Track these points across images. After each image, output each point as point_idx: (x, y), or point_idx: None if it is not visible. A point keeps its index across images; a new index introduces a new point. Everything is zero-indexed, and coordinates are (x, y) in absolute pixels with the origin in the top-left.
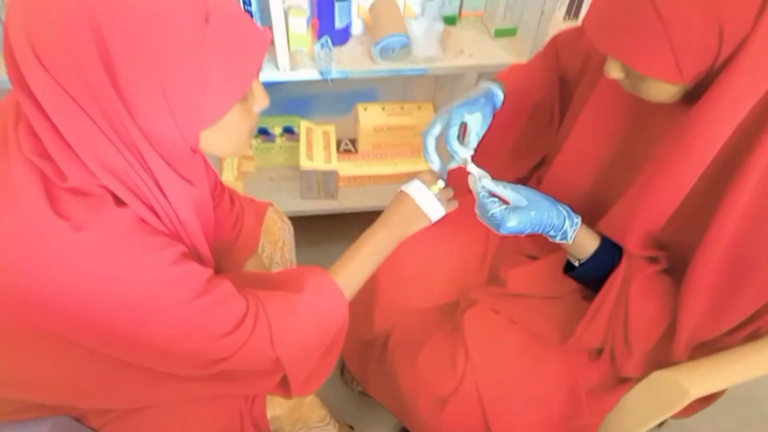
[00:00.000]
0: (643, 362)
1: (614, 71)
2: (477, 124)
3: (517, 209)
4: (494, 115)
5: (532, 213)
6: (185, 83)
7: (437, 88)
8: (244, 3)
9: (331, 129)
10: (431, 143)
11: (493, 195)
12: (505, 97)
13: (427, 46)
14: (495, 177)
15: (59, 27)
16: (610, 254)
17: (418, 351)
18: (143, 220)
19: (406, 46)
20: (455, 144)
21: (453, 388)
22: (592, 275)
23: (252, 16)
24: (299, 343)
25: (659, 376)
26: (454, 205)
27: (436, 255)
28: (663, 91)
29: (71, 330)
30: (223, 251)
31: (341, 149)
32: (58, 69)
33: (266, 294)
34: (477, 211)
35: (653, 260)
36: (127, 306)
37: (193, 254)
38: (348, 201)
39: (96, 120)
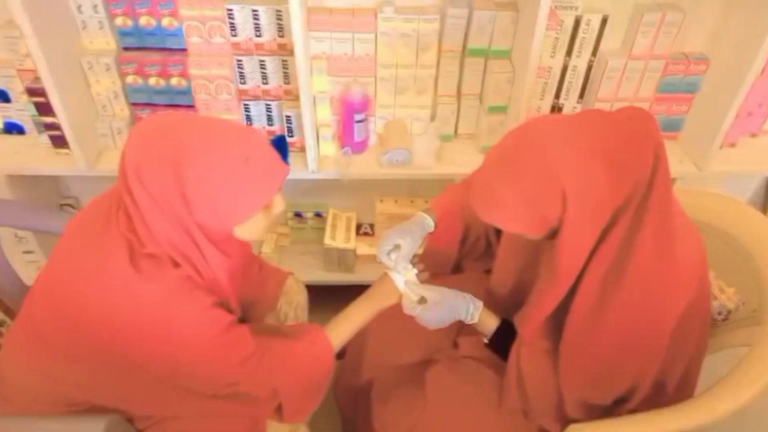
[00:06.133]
0: (552, 420)
1: None
2: (407, 246)
3: (435, 305)
4: (434, 234)
5: (445, 305)
6: (227, 199)
7: (440, 189)
8: (286, 121)
9: (353, 215)
10: (384, 255)
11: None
12: (437, 222)
13: (425, 158)
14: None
15: (156, 163)
16: (507, 332)
17: (390, 397)
18: (190, 278)
19: (408, 157)
20: (384, 258)
21: (410, 427)
22: (500, 348)
23: (292, 130)
24: (293, 379)
25: (571, 429)
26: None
27: (412, 325)
28: (532, 236)
29: (128, 350)
30: (249, 305)
31: (361, 232)
32: (151, 187)
33: (273, 339)
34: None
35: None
36: (172, 333)
37: (224, 305)
38: (364, 275)
39: (168, 216)
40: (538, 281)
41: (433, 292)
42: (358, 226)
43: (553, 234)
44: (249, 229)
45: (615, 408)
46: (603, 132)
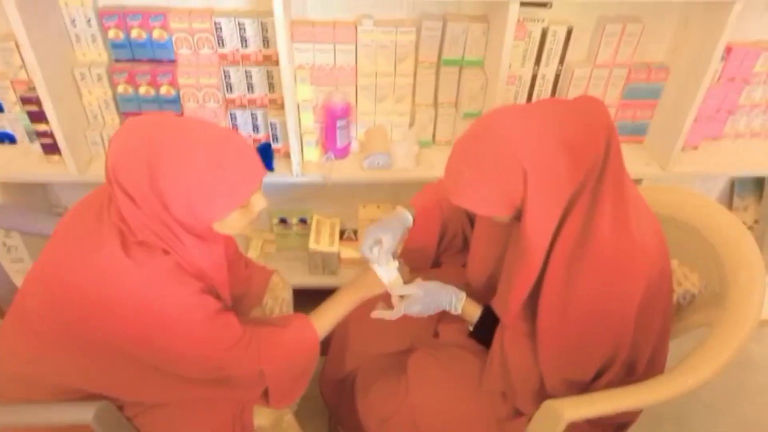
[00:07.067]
0: (531, 400)
1: None
2: (388, 240)
3: (417, 301)
4: (413, 229)
5: (427, 299)
6: (200, 200)
7: None
8: (272, 128)
9: (337, 221)
10: (367, 250)
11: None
12: (415, 217)
13: (405, 162)
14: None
15: (131, 164)
16: (490, 319)
17: (373, 384)
18: (180, 264)
19: (388, 161)
20: (367, 252)
21: (393, 411)
22: (482, 336)
23: (277, 137)
24: (279, 364)
25: (545, 405)
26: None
27: None
28: (500, 218)
29: (120, 336)
30: (235, 301)
31: (344, 237)
32: (127, 186)
33: (260, 326)
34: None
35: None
36: (161, 316)
37: (213, 292)
38: (347, 278)
39: (147, 212)
40: (508, 265)
41: (417, 289)
42: (342, 232)
43: (520, 215)
44: (228, 226)
45: (590, 386)
46: (559, 117)
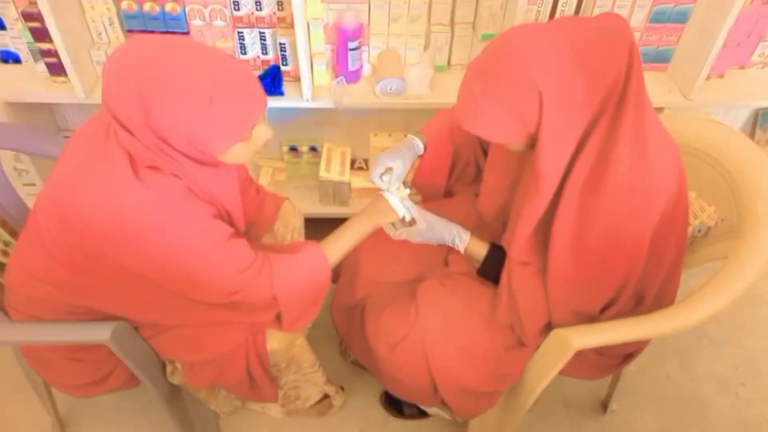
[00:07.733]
0: (538, 335)
1: None
2: (398, 168)
3: (420, 233)
4: (424, 156)
5: (429, 233)
6: (197, 134)
7: None
8: (280, 49)
9: (348, 150)
10: (376, 177)
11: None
12: (426, 145)
13: (419, 87)
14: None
15: (122, 97)
16: (495, 258)
17: (383, 311)
18: (191, 189)
19: (401, 86)
20: (377, 180)
21: (403, 336)
22: (490, 273)
23: (286, 59)
24: (291, 289)
25: (554, 333)
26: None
27: (404, 246)
28: (514, 145)
29: (132, 258)
30: (247, 225)
31: (355, 166)
32: (125, 122)
33: (272, 252)
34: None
35: (528, 264)
36: (173, 241)
37: (225, 218)
38: (357, 208)
39: (146, 144)
40: (521, 192)
41: (422, 218)
42: (353, 161)
43: (535, 143)
44: (232, 157)
45: (598, 317)
46: (578, 36)
